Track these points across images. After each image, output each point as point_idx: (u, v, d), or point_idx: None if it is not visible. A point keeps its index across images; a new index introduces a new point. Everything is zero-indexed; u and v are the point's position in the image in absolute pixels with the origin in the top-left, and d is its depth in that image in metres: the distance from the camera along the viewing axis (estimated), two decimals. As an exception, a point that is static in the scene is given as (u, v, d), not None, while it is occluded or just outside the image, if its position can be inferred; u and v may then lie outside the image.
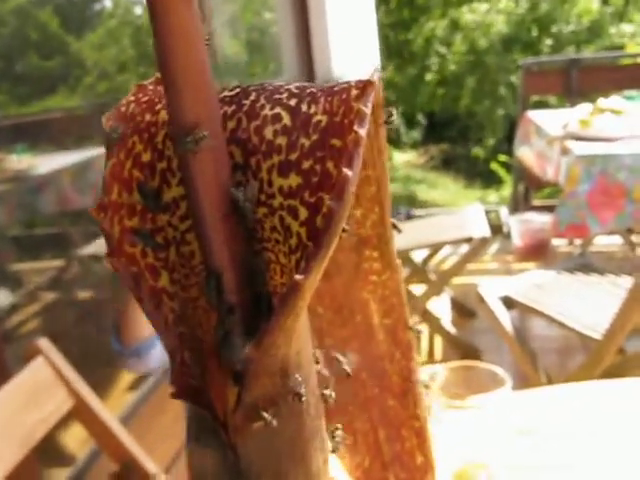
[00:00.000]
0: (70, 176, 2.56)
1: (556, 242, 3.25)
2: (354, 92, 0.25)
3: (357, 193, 0.28)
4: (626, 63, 4.04)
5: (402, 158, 7.43)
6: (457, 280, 2.80)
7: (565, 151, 2.33)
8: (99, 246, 2.51)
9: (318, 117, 0.25)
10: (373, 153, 0.27)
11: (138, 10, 3.97)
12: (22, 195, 2.44)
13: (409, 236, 2.62)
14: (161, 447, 1.68)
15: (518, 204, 3.72)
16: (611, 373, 1.73)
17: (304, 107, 0.26)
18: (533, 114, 2.99)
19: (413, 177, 7.06)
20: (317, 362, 0.26)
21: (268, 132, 0.26)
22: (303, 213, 0.25)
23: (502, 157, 5.48)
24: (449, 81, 7.10)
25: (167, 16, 0.21)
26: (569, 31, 6.62)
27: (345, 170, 0.23)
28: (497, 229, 3.62)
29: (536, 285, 2.09)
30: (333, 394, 0.26)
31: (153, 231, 0.27)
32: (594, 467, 0.74)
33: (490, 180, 6.21)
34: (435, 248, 2.71)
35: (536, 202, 3.82)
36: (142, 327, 1.12)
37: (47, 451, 1.09)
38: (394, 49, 6.99)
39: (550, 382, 1.95)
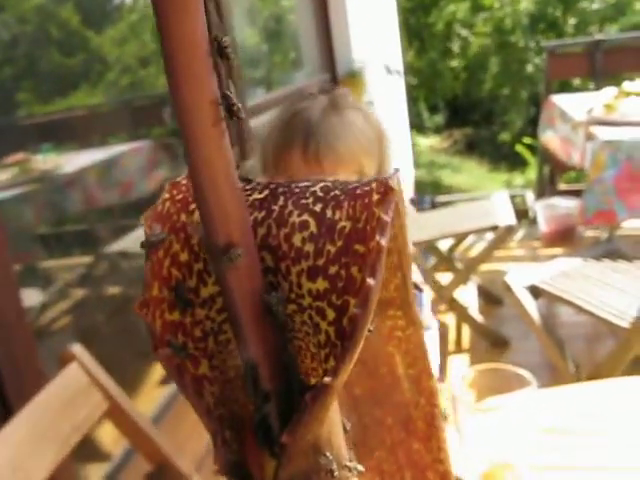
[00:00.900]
0: (96, 174, 2.59)
1: (582, 228, 3.22)
2: (375, 197, 0.26)
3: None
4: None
5: (425, 143, 7.39)
6: (483, 267, 2.79)
7: (590, 136, 2.31)
8: (127, 243, 2.54)
9: (342, 223, 0.26)
10: (395, 229, 0.28)
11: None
12: (49, 194, 2.47)
13: (435, 226, 2.62)
14: (193, 442, 1.71)
15: (544, 189, 3.69)
16: (640, 362, 1.73)
17: (329, 213, 0.27)
18: (557, 98, 2.96)
19: (437, 162, 7.03)
20: (345, 430, 0.28)
21: (297, 239, 0.27)
22: (330, 314, 0.26)
23: (527, 139, 5.43)
24: (472, 64, 7.04)
25: (199, 149, 0.22)
26: (593, 9, 6.53)
27: (369, 280, 0.24)
28: (523, 214, 3.60)
29: (563, 273, 2.08)
30: (359, 466, 0.28)
31: (192, 324, 0.28)
32: (624, 466, 0.74)
33: (515, 163, 6.16)
34: (461, 237, 2.71)
35: (562, 186, 3.79)
36: None
37: (82, 448, 1.11)
38: (415, 33, 6.95)
39: (578, 370, 1.94)
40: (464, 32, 6.97)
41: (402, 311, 0.30)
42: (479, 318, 2.52)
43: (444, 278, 2.57)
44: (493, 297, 2.81)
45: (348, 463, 0.27)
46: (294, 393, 0.26)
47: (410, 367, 0.31)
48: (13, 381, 1.15)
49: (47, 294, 2.34)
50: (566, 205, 3.15)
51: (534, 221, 3.45)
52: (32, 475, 0.87)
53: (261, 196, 0.28)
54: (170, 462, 1.05)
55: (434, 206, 3.83)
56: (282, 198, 0.28)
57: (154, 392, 2.12)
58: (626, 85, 2.57)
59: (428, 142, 7.48)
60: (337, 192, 0.27)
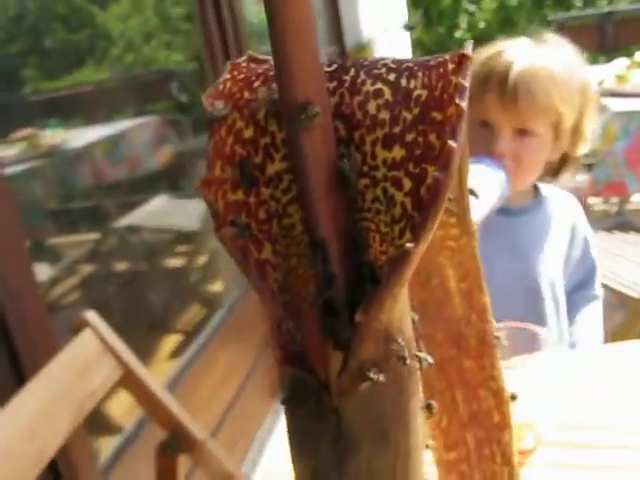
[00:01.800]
0: (103, 149, 2.58)
1: (592, 201, 3.21)
2: (450, 66, 0.25)
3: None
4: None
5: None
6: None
7: (602, 108, 2.29)
8: (135, 218, 2.54)
9: (418, 91, 0.26)
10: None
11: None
12: (57, 169, 2.46)
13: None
14: (206, 411, 1.72)
15: (552, 163, 3.67)
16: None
17: (404, 82, 0.26)
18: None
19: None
20: (413, 322, 0.27)
21: (371, 107, 0.26)
22: (407, 184, 0.25)
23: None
24: (478, 40, 6.97)
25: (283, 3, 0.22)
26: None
27: (450, 142, 0.23)
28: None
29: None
30: (429, 358, 0.27)
31: (256, 204, 0.27)
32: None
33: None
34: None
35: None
36: None
37: (94, 420, 1.11)
38: (422, 8, 6.89)
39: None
40: (472, 8, 6.91)
41: (456, 218, 0.29)
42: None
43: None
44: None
45: (418, 353, 0.26)
46: (362, 279, 0.26)
47: (462, 280, 0.31)
48: (27, 353, 1.15)
49: (56, 269, 2.34)
50: (575, 179, 3.13)
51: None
52: (48, 442, 0.87)
53: (331, 69, 0.27)
54: (185, 428, 1.05)
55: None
56: (353, 69, 0.27)
57: (164, 366, 2.13)
58: (638, 56, 2.55)
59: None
60: (410, 64, 0.26)
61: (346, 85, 0.27)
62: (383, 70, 0.27)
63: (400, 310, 0.25)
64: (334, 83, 0.27)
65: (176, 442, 1.06)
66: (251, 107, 0.27)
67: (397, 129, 0.26)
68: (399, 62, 0.27)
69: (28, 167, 2.22)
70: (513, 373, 0.71)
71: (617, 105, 2.23)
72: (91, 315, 1.01)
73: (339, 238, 0.25)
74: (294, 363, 0.25)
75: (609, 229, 2.16)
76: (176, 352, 2.17)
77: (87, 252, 2.53)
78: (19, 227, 1.16)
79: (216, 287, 2.50)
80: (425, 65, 0.26)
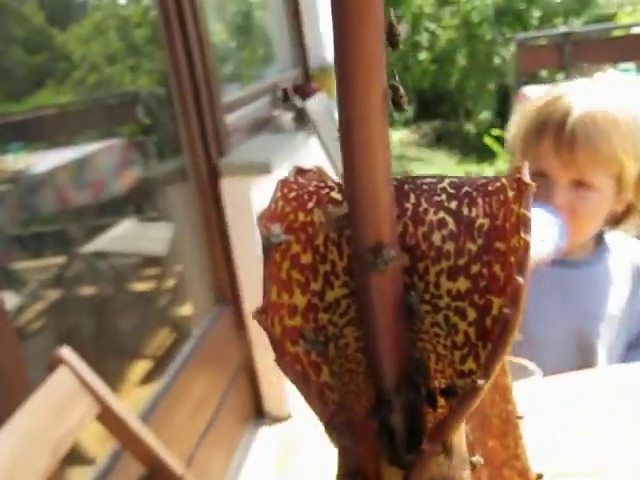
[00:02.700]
0: (68, 173, 2.55)
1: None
2: (510, 193, 0.25)
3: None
4: (618, 35, 4.03)
5: (395, 137, 7.41)
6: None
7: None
8: (102, 242, 2.51)
9: (480, 220, 0.26)
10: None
11: (122, 0, 3.92)
12: (21, 195, 2.43)
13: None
14: (181, 438, 1.70)
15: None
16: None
17: (465, 210, 0.26)
18: (529, 90, 2.98)
19: (407, 155, 7.06)
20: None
21: (436, 238, 0.27)
22: (472, 314, 0.26)
23: (495, 131, 5.48)
24: (440, 57, 7.08)
25: (357, 135, 0.22)
26: (557, 2, 6.59)
27: (518, 278, 0.23)
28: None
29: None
30: (481, 459, 0.27)
31: (315, 329, 0.27)
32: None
33: (484, 154, 6.19)
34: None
35: (533, 177, 3.82)
36: None
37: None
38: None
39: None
40: (432, 26, 7.00)
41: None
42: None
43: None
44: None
45: (472, 459, 0.27)
46: (419, 397, 0.26)
47: None
48: (0, 388, 1.13)
49: (22, 296, 2.30)
50: None
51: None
52: (25, 482, 0.85)
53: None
54: (163, 463, 1.04)
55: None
56: (412, 195, 0.27)
57: (135, 392, 2.10)
58: (597, 77, 2.60)
59: (398, 136, 7.50)
60: (468, 188, 0.26)
61: (409, 214, 0.27)
62: (444, 197, 0.27)
63: (460, 430, 0.26)
64: (396, 211, 0.27)
65: (155, 478, 1.05)
66: (307, 231, 0.27)
67: (462, 261, 0.26)
68: (457, 186, 0.27)
69: (-9, 193, 2.18)
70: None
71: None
72: (66, 352, 0.99)
73: (401, 363, 0.25)
74: (354, 477, 0.25)
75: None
76: (147, 378, 2.15)
77: (53, 278, 2.50)
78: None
79: (186, 311, 2.48)
80: (484, 191, 0.26)
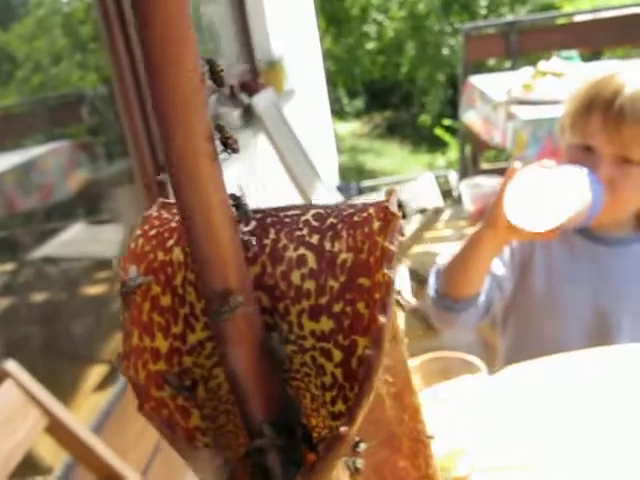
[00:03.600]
0: (14, 178, 2.49)
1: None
2: (376, 224, 0.24)
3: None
4: (562, 22, 4.09)
5: (346, 128, 7.43)
6: (412, 250, 2.82)
7: (510, 116, 2.36)
8: (51, 247, 2.46)
9: (343, 255, 0.25)
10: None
11: (65, -3, 3.85)
12: (-35, 201, 2.37)
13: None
14: (137, 446, 1.68)
15: (467, 168, 3.76)
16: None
17: (327, 245, 0.25)
18: (476, 79, 3.01)
19: (359, 147, 7.07)
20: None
21: (295, 277, 0.25)
22: (337, 355, 0.25)
23: (446, 121, 5.52)
24: (388, 48, 7.11)
25: (195, 190, 0.21)
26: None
27: (380, 318, 0.23)
28: (447, 194, 3.66)
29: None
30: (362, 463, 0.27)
31: (180, 373, 0.26)
32: (573, 444, 0.76)
33: (436, 144, 6.25)
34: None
35: (484, 165, 3.87)
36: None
37: (21, 463, 1.07)
38: (331, 19, 6.96)
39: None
40: (380, 17, 7.02)
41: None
42: (413, 301, 2.55)
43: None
44: (424, 279, 2.84)
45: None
46: (294, 436, 0.25)
47: (392, 385, 0.31)
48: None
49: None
50: (490, 183, 3.21)
51: (459, 201, 3.51)
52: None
53: (249, 228, 0.26)
54: (117, 474, 1.02)
55: (361, 192, 3.85)
56: (273, 230, 0.26)
57: (90, 399, 2.07)
58: (542, 65, 2.64)
59: (349, 127, 7.51)
60: (333, 220, 0.25)
61: (267, 251, 0.26)
62: (305, 231, 0.26)
63: (337, 470, 0.25)
64: (254, 248, 0.26)
65: (109, 488, 1.04)
66: (166, 271, 0.26)
67: (324, 300, 0.25)
68: (322, 217, 0.25)
69: None
70: (445, 403, 0.72)
71: (525, 113, 2.31)
72: (11, 365, 0.97)
73: (269, 403, 0.24)
74: None
75: None
76: (102, 384, 2.12)
77: (2, 284, 2.44)
78: None
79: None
80: (350, 222, 0.25)
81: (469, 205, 3.28)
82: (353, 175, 5.71)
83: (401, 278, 2.73)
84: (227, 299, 0.23)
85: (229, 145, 0.22)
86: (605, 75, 1.02)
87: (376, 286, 0.24)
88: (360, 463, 0.25)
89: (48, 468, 1.62)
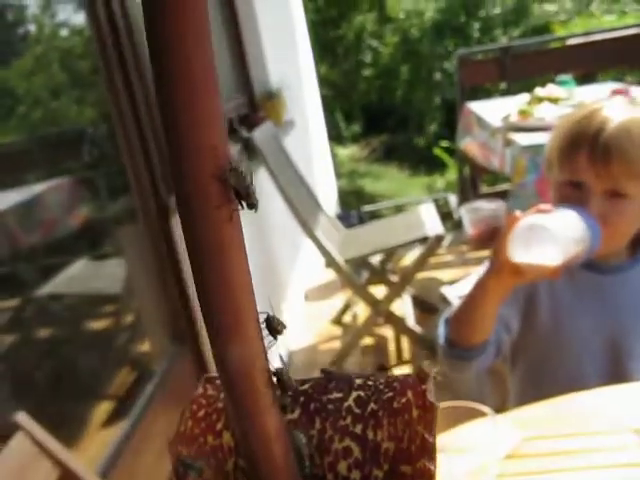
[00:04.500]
0: (16, 216, 2.50)
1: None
2: (415, 413, 0.25)
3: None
4: (555, 46, 4.13)
5: (345, 153, 7.46)
6: (415, 277, 2.82)
7: (508, 142, 2.38)
8: (55, 284, 2.46)
9: (385, 444, 0.25)
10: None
11: (64, 32, 3.87)
12: (-31, 241, 2.37)
13: (365, 241, 2.64)
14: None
15: (466, 192, 3.77)
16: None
17: (370, 434, 0.26)
18: (473, 105, 3.03)
19: (357, 171, 7.10)
20: None
21: (342, 467, 0.26)
22: None
23: (444, 142, 5.55)
24: (384, 73, 7.16)
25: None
26: (495, 14, 6.73)
27: None
28: (447, 216, 3.67)
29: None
30: None
31: None
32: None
33: (434, 166, 6.27)
34: (391, 251, 2.73)
35: (484, 189, 3.88)
36: None
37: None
38: (327, 46, 7.01)
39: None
40: (374, 43, 7.08)
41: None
42: (417, 328, 2.55)
43: (378, 292, 2.59)
44: (428, 306, 2.84)
45: None
46: None
47: None
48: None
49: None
50: (490, 207, 3.22)
51: (459, 224, 3.52)
52: None
53: (294, 416, 0.27)
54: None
55: (361, 220, 3.86)
56: (318, 420, 0.27)
57: (98, 435, 2.06)
58: (538, 91, 2.66)
59: (347, 152, 7.54)
60: (374, 406, 0.26)
61: (314, 442, 0.26)
62: (349, 420, 0.26)
63: None
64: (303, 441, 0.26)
65: (122, 537, 1.03)
66: (217, 455, 0.26)
67: None
68: (363, 403, 0.26)
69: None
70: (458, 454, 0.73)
71: (524, 139, 2.32)
72: (22, 417, 0.97)
73: None
74: None
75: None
76: (110, 419, 2.11)
77: (7, 322, 2.44)
78: None
79: (145, 349, 2.45)
80: (389, 409, 0.25)
81: (469, 229, 3.29)
82: (352, 200, 5.72)
83: (406, 306, 2.74)
84: None
85: (276, 331, 0.23)
86: (588, 111, 1.03)
87: (417, 473, 0.24)
88: None
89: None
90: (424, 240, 2.47)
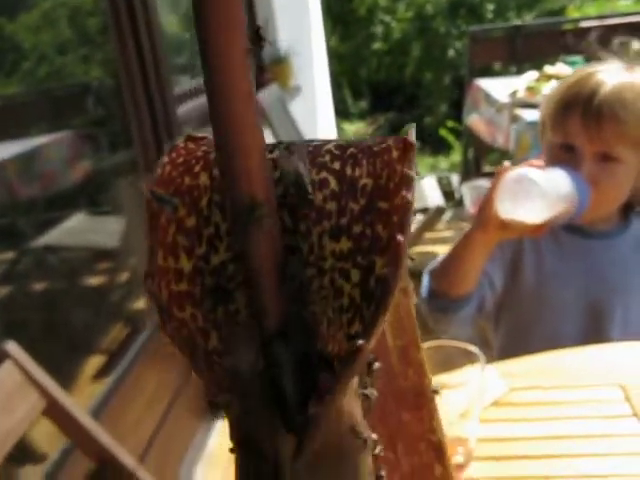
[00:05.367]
0: (15, 167, 2.50)
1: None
2: (395, 153, 0.25)
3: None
4: (567, 28, 4.10)
5: (351, 129, 7.42)
6: (413, 249, 2.82)
7: (515, 118, 2.37)
8: (53, 236, 2.47)
9: (364, 180, 0.26)
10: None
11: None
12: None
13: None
14: (134, 433, 1.68)
15: (469, 171, 3.76)
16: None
17: (349, 170, 0.26)
18: (481, 82, 3.02)
19: (362, 148, 7.07)
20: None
21: (318, 198, 0.26)
22: (355, 275, 0.25)
23: (450, 123, 5.52)
24: (394, 49, 7.11)
25: (226, 105, 0.22)
26: (511, -5, 6.68)
27: (398, 237, 0.24)
28: (449, 195, 3.67)
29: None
30: (373, 435, 0.27)
31: (201, 294, 0.27)
32: (568, 435, 0.76)
33: (440, 146, 6.24)
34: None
35: (487, 168, 3.87)
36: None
37: (16, 447, 1.08)
38: (338, 19, 6.96)
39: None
40: (387, 18, 7.02)
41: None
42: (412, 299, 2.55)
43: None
44: (424, 279, 2.84)
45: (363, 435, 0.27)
46: (312, 363, 0.26)
47: (398, 338, 0.31)
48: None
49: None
50: (491, 186, 3.21)
51: (460, 203, 3.51)
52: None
53: (273, 156, 0.27)
54: (114, 458, 1.03)
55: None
56: (296, 157, 0.27)
57: (89, 388, 2.07)
58: (547, 68, 2.64)
59: (353, 128, 7.51)
60: (353, 150, 0.26)
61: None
62: (327, 158, 0.27)
63: (350, 394, 0.26)
64: (278, 172, 0.27)
65: (105, 473, 1.04)
66: (192, 194, 0.26)
67: (344, 220, 0.26)
68: (342, 147, 0.27)
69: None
70: (446, 392, 0.73)
71: (529, 115, 2.31)
72: (11, 346, 0.98)
73: (288, 327, 0.25)
74: (244, 449, 0.25)
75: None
76: (101, 373, 2.12)
77: (3, 273, 2.45)
78: None
79: (140, 304, 2.45)
80: (369, 152, 0.26)
81: (470, 206, 3.28)
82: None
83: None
84: (253, 210, 0.23)
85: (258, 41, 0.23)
86: (582, 75, 1.04)
87: (395, 209, 0.24)
88: (372, 393, 0.26)
89: (43, 455, 1.62)
90: (425, 211, 2.47)
